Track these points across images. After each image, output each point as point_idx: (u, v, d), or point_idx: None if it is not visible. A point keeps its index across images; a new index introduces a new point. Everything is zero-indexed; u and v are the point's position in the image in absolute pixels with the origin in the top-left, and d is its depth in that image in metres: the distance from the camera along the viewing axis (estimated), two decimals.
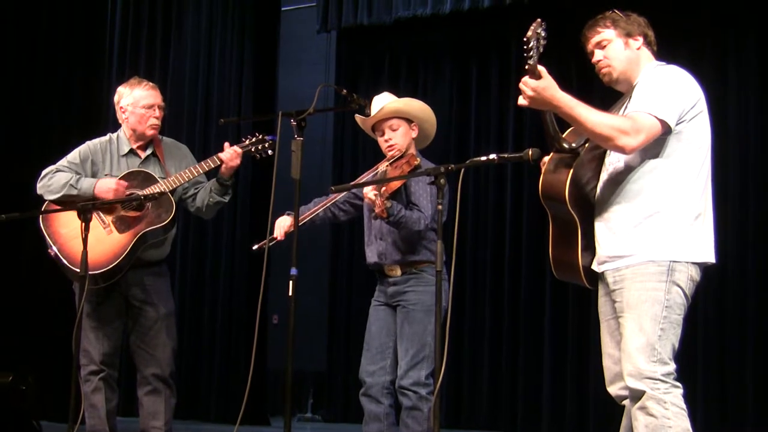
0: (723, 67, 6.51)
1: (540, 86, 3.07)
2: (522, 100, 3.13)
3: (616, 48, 3.34)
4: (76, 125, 7.07)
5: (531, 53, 3.04)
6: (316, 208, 4.34)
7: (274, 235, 4.23)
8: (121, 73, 7.22)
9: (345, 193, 4.39)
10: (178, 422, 5.01)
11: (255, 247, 4.24)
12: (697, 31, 6.55)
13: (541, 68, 3.06)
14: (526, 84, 3.09)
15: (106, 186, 4.35)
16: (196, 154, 4.84)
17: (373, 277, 4.39)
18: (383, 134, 4.28)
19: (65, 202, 4.37)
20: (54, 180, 4.40)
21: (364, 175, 4.39)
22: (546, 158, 3.35)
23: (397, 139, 4.25)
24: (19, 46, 7.46)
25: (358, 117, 4.34)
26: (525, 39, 3.04)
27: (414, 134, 4.30)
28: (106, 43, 7.73)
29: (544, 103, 3.11)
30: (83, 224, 3.98)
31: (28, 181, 4.55)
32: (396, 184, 4.11)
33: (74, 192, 4.35)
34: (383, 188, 4.01)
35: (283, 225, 4.25)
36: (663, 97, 3.16)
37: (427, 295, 4.09)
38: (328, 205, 4.36)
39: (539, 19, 3.09)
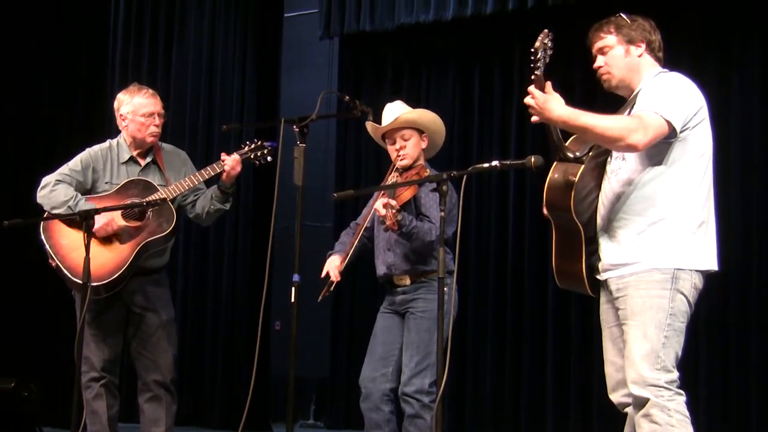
0: (726, 71, 6.48)
1: (544, 100, 3.08)
2: (529, 100, 3.12)
3: (617, 55, 3.34)
4: (80, 132, 7.08)
5: (538, 64, 3.04)
6: (352, 240, 4.30)
7: (331, 279, 4.21)
8: (124, 79, 7.20)
9: (369, 217, 4.34)
10: (179, 429, 5.01)
11: (319, 298, 4.17)
12: (700, 34, 6.53)
13: (546, 83, 3.07)
14: (533, 95, 3.09)
15: (104, 219, 4.27)
16: (199, 160, 4.84)
17: (377, 282, 4.38)
18: (394, 143, 4.29)
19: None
20: (54, 195, 4.37)
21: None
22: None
23: (408, 149, 4.27)
24: (23, 54, 7.47)
25: (369, 124, 4.33)
26: (533, 50, 3.03)
27: (424, 145, 4.31)
28: (108, 49, 7.73)
29: (548, 117, 3.11)
30: (86, 231, 3.97)
31: (32, 189, 4.54)
32: (406, 196, 4.11)
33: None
34: (393, 200, 4.01)
35: (335, 265, 4.24)
36: (669, 101, 3.15)
37: (436, 303, 4.08)
38: (361, 233, 4.31)
39: (546, 30, 3.09)
